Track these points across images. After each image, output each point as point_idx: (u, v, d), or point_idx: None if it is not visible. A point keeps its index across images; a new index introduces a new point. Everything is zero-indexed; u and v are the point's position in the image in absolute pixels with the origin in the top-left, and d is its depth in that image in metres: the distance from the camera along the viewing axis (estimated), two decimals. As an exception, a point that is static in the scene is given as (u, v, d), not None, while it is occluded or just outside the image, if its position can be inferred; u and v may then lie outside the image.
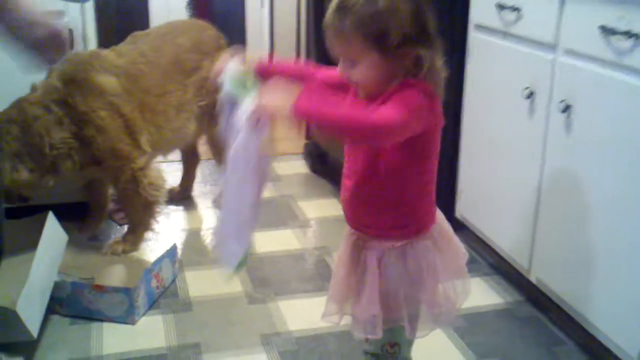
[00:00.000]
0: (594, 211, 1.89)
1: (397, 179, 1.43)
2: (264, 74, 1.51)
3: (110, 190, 2.75)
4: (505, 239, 2.36)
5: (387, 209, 1.46)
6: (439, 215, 1.56)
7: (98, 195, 2.76)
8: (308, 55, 4.12)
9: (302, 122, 1.33)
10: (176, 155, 3.13)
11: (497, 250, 2.42)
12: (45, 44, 1.41)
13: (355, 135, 1.35)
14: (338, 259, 1.63)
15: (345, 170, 1.52)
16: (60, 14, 2.36)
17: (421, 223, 1.49)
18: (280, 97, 1.32)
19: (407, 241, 1.47)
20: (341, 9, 1.33)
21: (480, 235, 2.52)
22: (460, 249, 1.60)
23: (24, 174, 2.31)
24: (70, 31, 2.54)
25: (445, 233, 1.56)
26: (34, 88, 2.39)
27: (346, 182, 1.51)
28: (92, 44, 3.03)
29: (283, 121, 1.31)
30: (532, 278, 2.19)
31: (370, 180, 1.45)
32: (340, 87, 1.47)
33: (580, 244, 1.95)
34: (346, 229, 1.57)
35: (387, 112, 1.29)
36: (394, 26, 1.32)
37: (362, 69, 1.36)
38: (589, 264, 1.92)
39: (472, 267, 2.49)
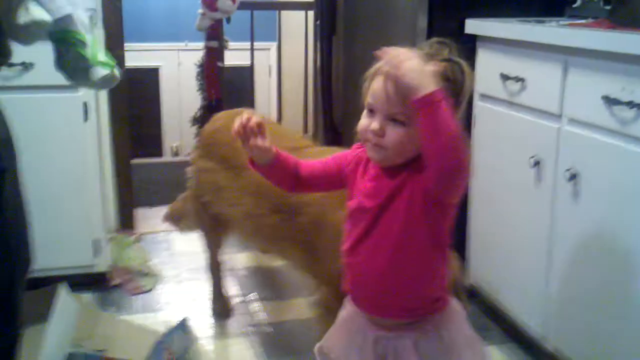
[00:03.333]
0: (604, 276, 1.89)
1: (429, 252, 1.35)
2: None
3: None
4: (519, 306, 2.34)
5: (422, 285, 1.37)
6: None
7: None
8: (316, 120, 4.19)
9: (428, 105, 1.17)
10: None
11: (511, 318, 2.40)
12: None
13: (459, 154, 1.21)
14: None
15: (360, 250, 1.38)
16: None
17: (445, 295, 1.43)
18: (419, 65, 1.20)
19: (432, 317, 1.40)
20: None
21: (494, 303, 2.50)
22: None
23: None
24: (85, 104, 2.60)
25: None
26: None
27: (368, 264, 1.37)
28: (105, 119, 3.10)
29: (409, 84, 1.18)
30: (549, 346, 2.17)
31: (406, 255, 1.34)
32: (324, 178, 1.46)
33: (595, 310, 1.94)
34: (352, 332, 1.46)
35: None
36: (463, 98, 1.29)
37: (403, 132, 1.26)
38: (605, 331, 1.90)
39: (486, 335, 2.47)
